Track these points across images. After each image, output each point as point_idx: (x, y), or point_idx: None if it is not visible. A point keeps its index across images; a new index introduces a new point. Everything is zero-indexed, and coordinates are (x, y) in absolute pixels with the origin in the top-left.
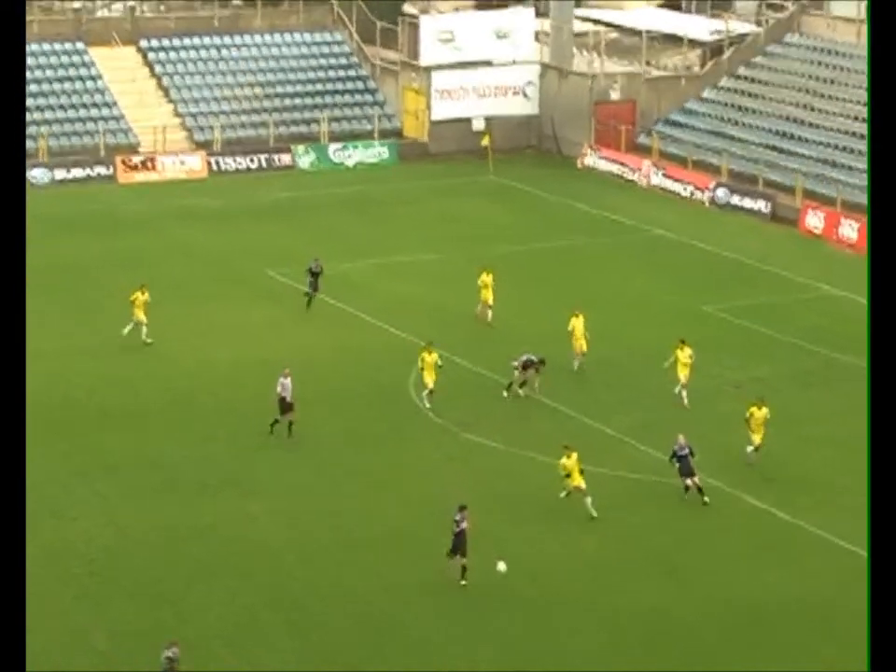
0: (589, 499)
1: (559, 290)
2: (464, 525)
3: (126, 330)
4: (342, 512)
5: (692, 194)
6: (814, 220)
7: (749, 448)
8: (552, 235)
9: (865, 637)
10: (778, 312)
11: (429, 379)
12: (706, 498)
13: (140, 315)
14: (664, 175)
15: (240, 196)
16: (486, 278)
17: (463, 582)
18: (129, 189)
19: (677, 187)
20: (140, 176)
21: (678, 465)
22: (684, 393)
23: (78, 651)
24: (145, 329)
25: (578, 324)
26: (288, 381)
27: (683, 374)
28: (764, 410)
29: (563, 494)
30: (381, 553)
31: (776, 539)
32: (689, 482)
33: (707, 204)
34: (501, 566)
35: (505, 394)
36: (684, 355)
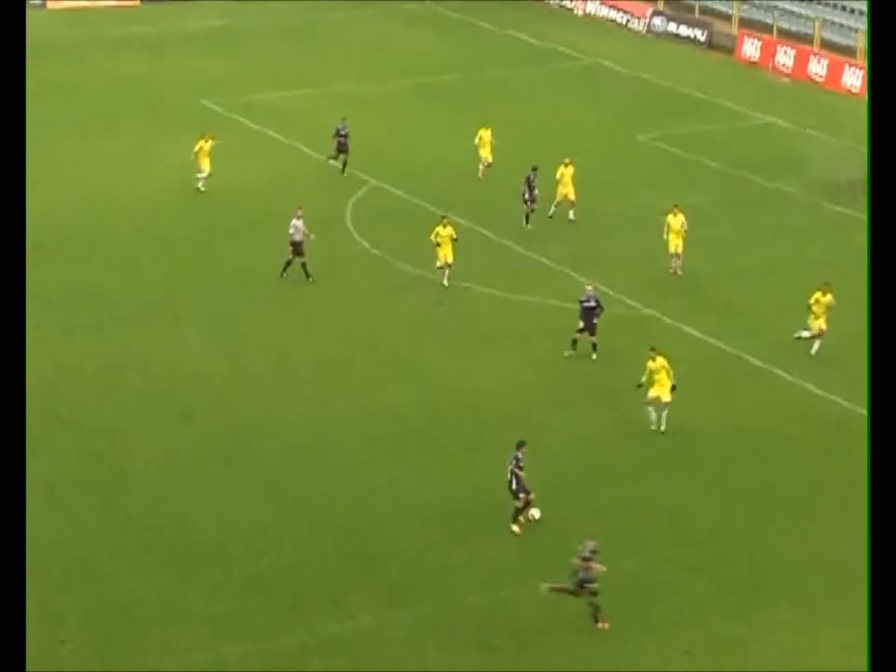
0: (665, 413)
1: (491, 120)
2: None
3: (200, 185)
4: (277, 344)
5: (627, 22)
6: (750, 49)
7: (805, 333)
8: (488, 65)
9: (791, 458)
10: (713, 140)
11: (445, 253)
12: (594, 356)
13: (204, 163)
14: (600, 2)
15: (172, 24)
16: (485, 134)
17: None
18: (58, 15)
19: (613, 14)
20: (70, 3)
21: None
22: (678, 265)
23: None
24: (200, 176)
25: (565, 174)
26: (300, 222)
27: (675, 244)
28: (829, 296)
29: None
30: (316, 384)
31: (710, 367)
32: (579, 335)
33: (643, 32)
34: (535, 512)
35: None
36: (676, 221)
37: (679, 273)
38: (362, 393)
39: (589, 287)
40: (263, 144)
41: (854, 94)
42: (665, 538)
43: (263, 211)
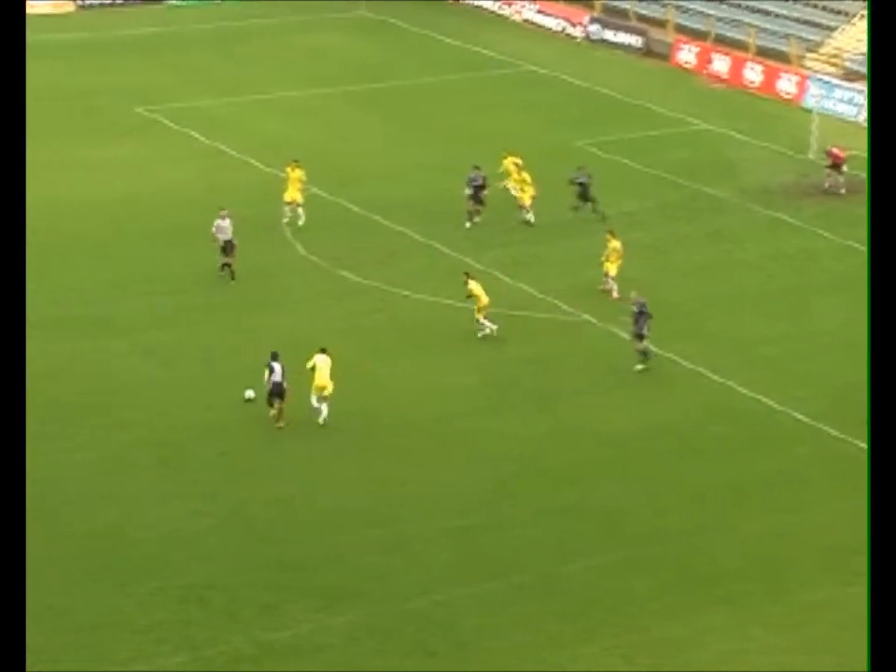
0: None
1: (428, 126)
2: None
3: (285, 220)
4: (212, 350)
5: (564, 29)
6: (686, 55)
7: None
8: (424, 71)
9: (721, 459)
10: (648, 146)
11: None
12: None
13: (295, 195)
14: (537, 10)
15: (106, 31)
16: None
17: (279, 425)
18: None
19: (549, 22)
20: None
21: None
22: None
23: None
24: (301, 211)
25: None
26: (226, 222)
27: (613, 266)
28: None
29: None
30: (248, 386)
31: (645, 374)
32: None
33: (580, 40)
34: (249, 393)
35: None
36: (617, 245)
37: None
38: (296, 398)
39: (633, 293)
40: (198, 150)
41: (788, 101)
42: (602, 540)
43: (198, 217)
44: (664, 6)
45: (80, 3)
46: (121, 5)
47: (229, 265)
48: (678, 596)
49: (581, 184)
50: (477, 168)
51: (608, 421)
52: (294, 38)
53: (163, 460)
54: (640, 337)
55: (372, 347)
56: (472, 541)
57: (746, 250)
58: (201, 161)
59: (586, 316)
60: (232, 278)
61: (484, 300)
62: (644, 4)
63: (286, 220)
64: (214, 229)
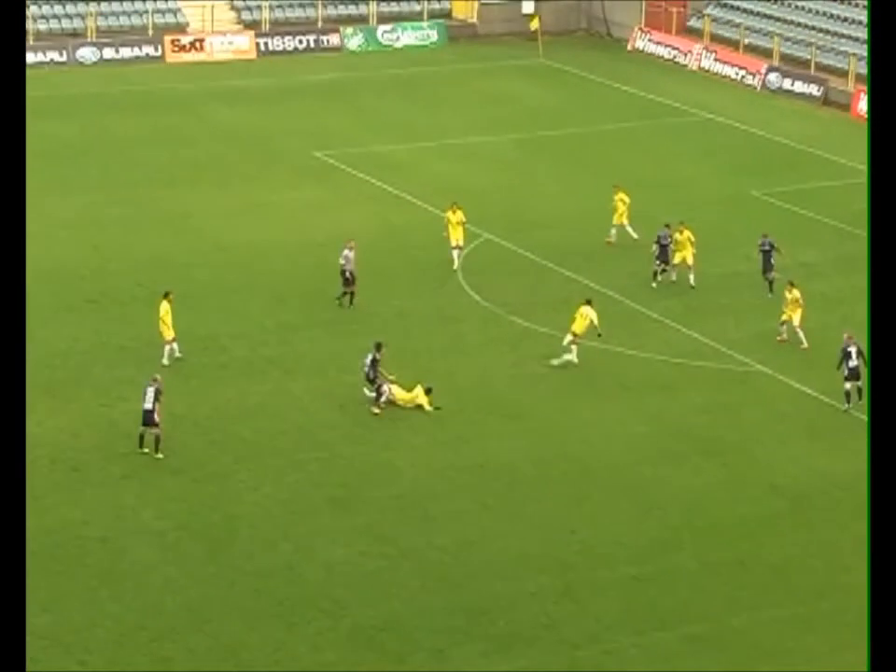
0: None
1: (607, 173)
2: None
3: (454, 266)
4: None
5: (742, 78)
6: (866, 105)
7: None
8: (600, 119)
9: None
10: (826, 197)
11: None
12: (846, 405)
13: (459, 237)
14: (715, 58)
15: (287, 77)
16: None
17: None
18: (176, 69)
19: (728, 70)
20: (188, 57)
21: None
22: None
23: (127, 529)
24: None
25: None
26: (352, 253)
27: (790, 315)
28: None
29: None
30: (426, 434)
31: (821, 425)
32: (849, 385)
33: (758, 88)
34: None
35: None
36: (793, 295)
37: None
38: (472, 444)
39: (846, 335)
40: (375, 195)
41: None
42: (773, 595)
43: (375, 261)
44: (843, 55)
45: (262, 50)
46: (301, 52)
47: (350, 294)
48: (854, 654)
49: (764, 252)
50: (667, 227)
51: (782, 473)
52: (472, 84)
53: (337, 501)
54: (846, 378)
55: (546, 394)
56: (641, 591)
57: None
58: (377, 205)
59: (761, 367)
60: (351, 303)
61: (582, 326)
62: (823, 53)
63: (455, 267)
64: (342, 260)
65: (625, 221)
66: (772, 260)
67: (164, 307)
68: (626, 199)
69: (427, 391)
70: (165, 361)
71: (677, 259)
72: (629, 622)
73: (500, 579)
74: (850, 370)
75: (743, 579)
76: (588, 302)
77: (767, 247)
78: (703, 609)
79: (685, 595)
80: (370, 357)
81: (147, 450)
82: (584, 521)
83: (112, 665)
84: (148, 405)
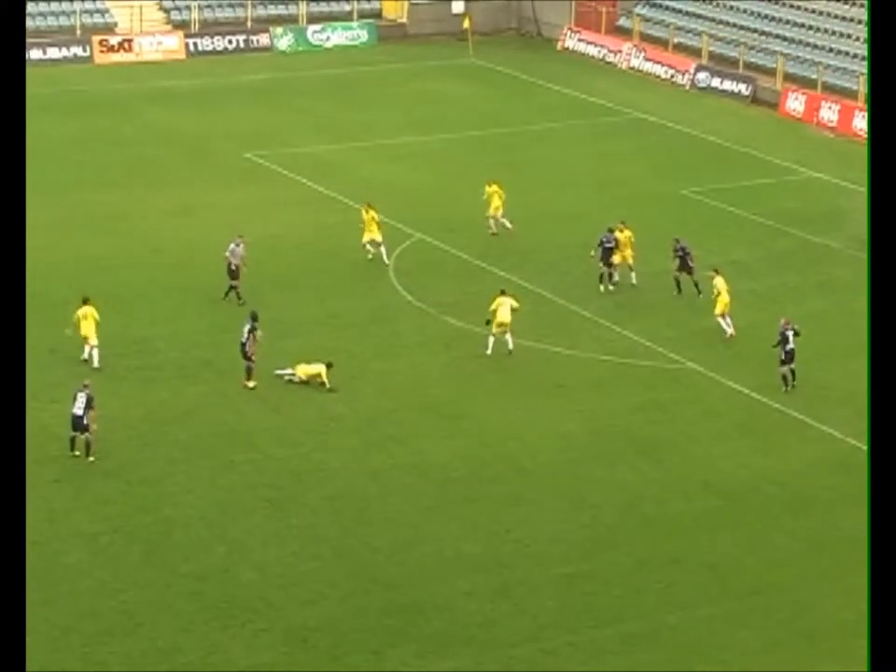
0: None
1: (538, 173)
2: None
3: (369, 257)
4: (321, 395)
5: (672, 77)
6: (794, 103)
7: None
8: (532, 118)
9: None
10: (756, 195)
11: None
12: (784, 388)
13: (374, 234)
14: (644, 57)
15: (217, 78)
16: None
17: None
18: (105, 69)
19: (657, 69)
20: (117, 57)
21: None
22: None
23: (60, 532)
24: (383, 249)
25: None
26: (239, 248)
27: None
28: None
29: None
30: (360, 435)
31: (754, 422)
32: (784, 368)
33: (687, 87)
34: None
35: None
36: (722, 283)
37: (731, 332)
38: (406, 444)
39: (783, 320)
40: (307, 196)
41: None
42: (709, 592)
43: (307, 262)
44: (772, 54)
45: (192, 50)
46: (231, 52)
47: (236, 288)
48: (787, 651)
49: (680, 258)
50: (610, 230)
51: (715, 470)
52: (403, 85)
53: (271, 503)
54: (782, 362)
55: (481, 393)
56: (577, 589)
57: (857, 301)
58: (309, 206)
59: (692, 364)
60: (239, 298)
61: (503, 318)
62: (752, 52)
63: (370, 257)
64: (228, 252)
65: (500, 213)
66: (690, 263)
67: (84, 311)
68: (502, 193)
69: (328, 366)
70: (97, 364)
71: (617, 258)
72: (564, 620)
73: (436, 579)
74: (786, 352)
75: (678, 576)
76: (503, 293)
77: (681, 253)
78: (638, 607)
79: (620, 594)
80: (247, 327)
81: (78, 453)
82: (519, 520)
83: (46, 669)
84: (78, 411)
